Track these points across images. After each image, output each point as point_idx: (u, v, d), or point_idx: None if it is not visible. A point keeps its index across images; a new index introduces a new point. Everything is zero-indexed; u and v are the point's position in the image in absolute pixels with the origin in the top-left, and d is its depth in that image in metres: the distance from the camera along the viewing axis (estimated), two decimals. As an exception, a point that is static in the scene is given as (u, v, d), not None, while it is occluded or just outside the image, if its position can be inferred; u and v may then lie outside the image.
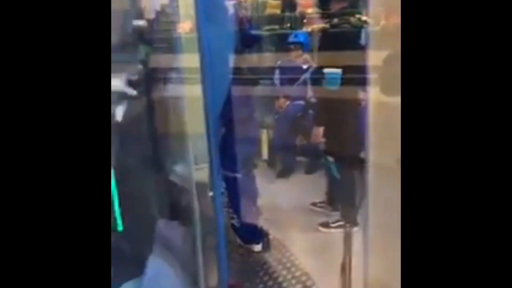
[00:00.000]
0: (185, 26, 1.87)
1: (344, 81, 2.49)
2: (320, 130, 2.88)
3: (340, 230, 2.77)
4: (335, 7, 2.86)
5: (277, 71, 3.66)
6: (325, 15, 3.06)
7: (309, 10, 3.64)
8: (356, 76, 2.09)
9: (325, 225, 2.99)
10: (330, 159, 2.92)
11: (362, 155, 2.06)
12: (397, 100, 0.91)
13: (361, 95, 2.39)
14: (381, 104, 1.43)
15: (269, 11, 4.33)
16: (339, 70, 2.52)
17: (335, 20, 2.94)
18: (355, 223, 2.67)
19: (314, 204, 3.22)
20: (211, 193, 2.02)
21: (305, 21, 3.76)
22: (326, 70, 2.60)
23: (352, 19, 3.16)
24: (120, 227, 2.80)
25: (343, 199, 2.95)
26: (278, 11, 4.20)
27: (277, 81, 3.67)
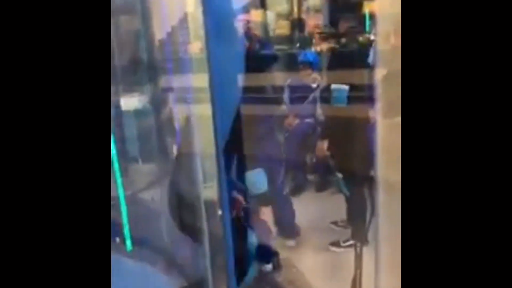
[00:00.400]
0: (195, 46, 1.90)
1: (351, 99, 2.49)
2: (325, 143, 2.88)
3: (351, 249, 2.71)
4: (343, 26, 2.89)
5: (286, 90, 3.68)
6: (334, 34, 3.11)
7: (317, 30, 3.69)
8: (363, 94, 2.11)
9: (336, 244, 2.96)
10: (339, 176, 2.91)
11: (370, 172, 2.03)
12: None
13: (368, 112, 2.40)
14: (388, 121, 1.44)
15: (278, 31, 4.52)
16: (346, 87, 2.53)
17: (343, 40, 2.99)
18: (365, 242, 2.63)
19: (334, 223, 3.18)
20: (220, 212, 2.03)
21: (313, 40, 3.82)
22: (333, 87, 2.62)
23: (360, 38, 3.20)
24: (129, 247, 2.80)
25: (353, 217, 2.92)
26: (287, 32, 4.35)
27: (286, 100, 3.70)
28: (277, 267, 2.75)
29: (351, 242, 2.86)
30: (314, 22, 3.93)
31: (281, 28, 4.52)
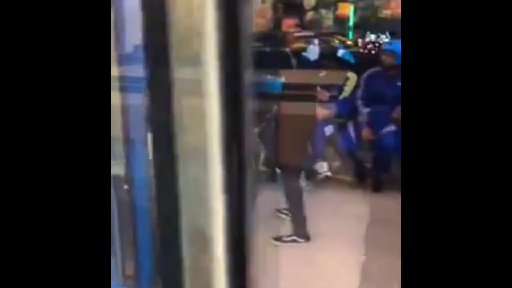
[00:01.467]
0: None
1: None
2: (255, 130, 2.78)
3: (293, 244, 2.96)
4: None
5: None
6: (309, 35, 3.37)
7: (292, 30, 3.19)
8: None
9: (279, 239, 3.04)
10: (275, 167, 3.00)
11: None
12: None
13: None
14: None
15: (255, 28, 3.40)
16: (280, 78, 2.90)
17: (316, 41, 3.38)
18: (307, 238, 3.02)
19: (278, 210, 3.17)
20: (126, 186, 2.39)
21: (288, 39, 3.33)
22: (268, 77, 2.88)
23: (333, 40, 3.43)
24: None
25: (291, 211, 3.09)
26: (263, 29, 3.46)
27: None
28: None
29: (294, 237, 3.03)
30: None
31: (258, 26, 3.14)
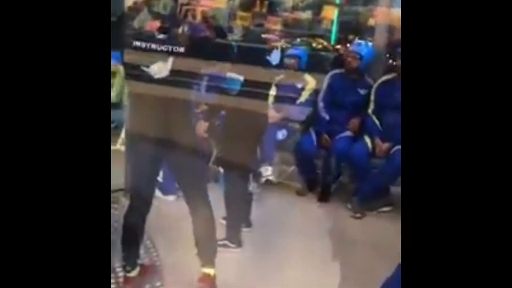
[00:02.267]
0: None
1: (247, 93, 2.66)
2: (204, 125, 2.85)
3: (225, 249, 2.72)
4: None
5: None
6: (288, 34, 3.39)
7: (274, 27, 3.48)
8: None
9: None
10: (220, 168, 2.88)
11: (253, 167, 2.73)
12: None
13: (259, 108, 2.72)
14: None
15: (238, 22, 4.81)
16: (240, 77, 2.69)
17: (298, 41, 3.49)
18: (239, 243, 2.84)
19: (225, 218, 2.93)
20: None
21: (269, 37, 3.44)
22: (228, 75, 2.73)
23: (313, 42, 3.49)
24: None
25: (229, 214, 2.89)
26: (246, 24, 4.53)
27: (202, 88, 3.01)
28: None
29: (226, 242, 2.80)
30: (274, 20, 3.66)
31: (242, 20, 4.75)
